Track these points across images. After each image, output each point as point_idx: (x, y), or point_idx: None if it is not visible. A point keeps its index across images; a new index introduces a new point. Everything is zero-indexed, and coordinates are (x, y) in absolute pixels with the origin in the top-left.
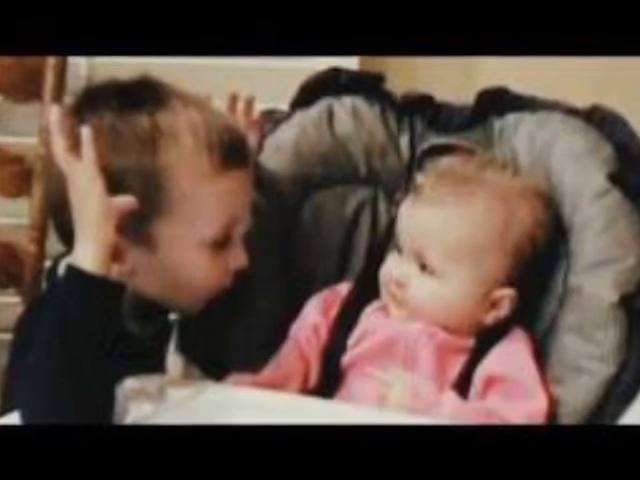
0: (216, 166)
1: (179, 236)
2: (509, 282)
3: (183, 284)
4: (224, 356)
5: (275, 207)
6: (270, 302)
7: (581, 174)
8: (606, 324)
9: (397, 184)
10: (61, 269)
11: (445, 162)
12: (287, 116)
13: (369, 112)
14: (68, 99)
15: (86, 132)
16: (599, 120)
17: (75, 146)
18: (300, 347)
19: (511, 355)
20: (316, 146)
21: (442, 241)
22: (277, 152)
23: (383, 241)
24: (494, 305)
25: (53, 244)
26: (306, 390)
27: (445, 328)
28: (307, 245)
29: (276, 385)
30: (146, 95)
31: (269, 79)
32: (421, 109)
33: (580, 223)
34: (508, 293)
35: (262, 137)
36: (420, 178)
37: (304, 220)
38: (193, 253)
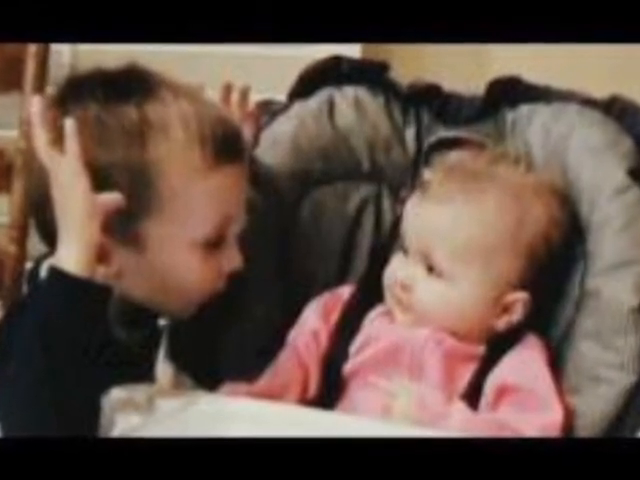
0: (209, 161)
1: (169, 236)
2: (522, 285)
3: (173, 287)
4: (217, 364)
5: (272, 205)
6: (267, 306)
7: (599, 169)
8: (626, 330)
9: (402, 180)
10: (43, 271)
11: (454, 156)
12: (285, 107)
13: (372, 103)
14: (50, 89)
15: (70, 124)
16: (618, 112)
17: (58, 139)
18: (299, 354)
19: (524, 363)
20: (316, 139)
21: (450, 241)
22: (274, 146)
23: (387, 241)
24: (506, 310)
25: (34, 244)
26: (305, 400)
27: (454, 334)
28: (306, 245)
29: (273, 395)
30: (134, 85)
31: (266, 68)
32: (428, 100)
33: (598, 222)
34: (521, 297)
35: (258, 130)
36: (427, 174)
37: (303, 218)
38: (184, 254)
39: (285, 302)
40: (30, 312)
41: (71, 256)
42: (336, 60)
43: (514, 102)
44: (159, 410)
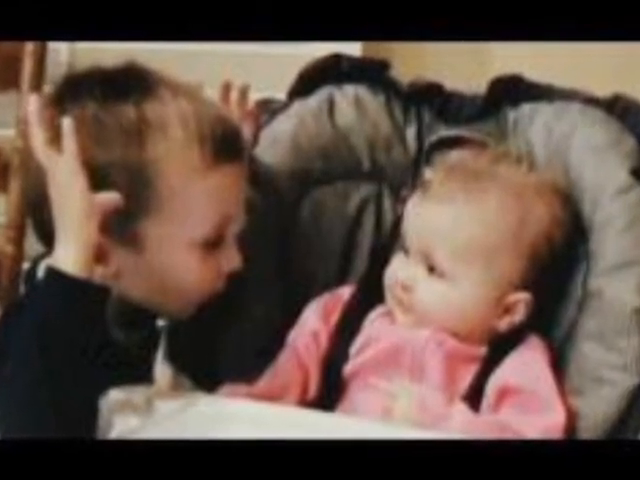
0: (208, 160)
1: (168, 236)
2: (524, 285)
3: (172, 287)
4: (216, 365)
5: (272, 204)
6: (266, 307)
7: (602, 169)
8: (629, 331)
9: (403, 179)
10: (40, 271)
11: (455, 156)
12: (285, 106)
13: (373, 102)
14: (48, 88)
15: (67, 123)
16: (621, 111)
17: (55, 138)
18: (298, 355)
19: (526, 364)
20: (316, 138)
21: (452, 241)
22: (274, 145)
23: (388, 241)
24: (508, 310)
25: (32, 244)
26: (305, 402)
27: (455, 335)
28: (306, 245)
29: (273, 396)
30: (132, 83)
31: (265, 66)
32: (429, 98)
33: (601, 221)
34: (523, 297)
35: (257, 129)
36: (428, 173)
37: (303, 218)
38: (183, 254)
39: (285, 302)
40: (27, 312)
41: (69, 256)
42: (336, 58)
43: (516, 101)
44: (157, 412)
